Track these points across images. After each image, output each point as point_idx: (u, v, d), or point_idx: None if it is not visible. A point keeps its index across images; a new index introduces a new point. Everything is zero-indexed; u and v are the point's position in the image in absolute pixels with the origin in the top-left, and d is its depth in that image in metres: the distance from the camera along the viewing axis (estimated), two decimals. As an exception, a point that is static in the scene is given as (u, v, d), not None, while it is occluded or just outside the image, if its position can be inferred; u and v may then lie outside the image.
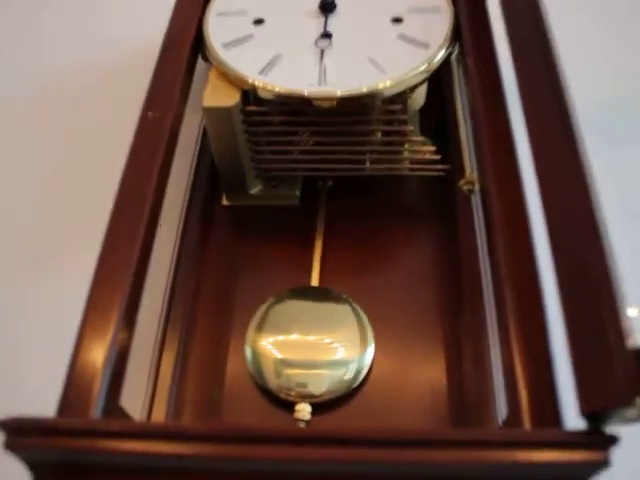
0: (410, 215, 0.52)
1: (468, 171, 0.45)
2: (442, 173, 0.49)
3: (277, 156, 0.50)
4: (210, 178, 0.54)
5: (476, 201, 0.47)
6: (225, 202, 0.54)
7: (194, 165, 0.52)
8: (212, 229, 0.52)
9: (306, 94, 0.45)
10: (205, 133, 0.51)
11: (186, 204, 0.51)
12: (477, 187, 0.43)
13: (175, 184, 0.46)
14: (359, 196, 0.52)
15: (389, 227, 0.50)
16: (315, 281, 0.47)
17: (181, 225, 0.50)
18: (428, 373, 0.43)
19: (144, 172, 0.39)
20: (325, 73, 0.46)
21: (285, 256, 0.50)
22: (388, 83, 0.45)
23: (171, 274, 0.47)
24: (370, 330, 0.45)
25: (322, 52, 0.47)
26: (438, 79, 0.49)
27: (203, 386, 0.44)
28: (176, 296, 0.47)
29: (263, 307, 0.46)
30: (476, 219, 0.46)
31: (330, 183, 0.53)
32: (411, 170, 0.50)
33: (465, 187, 0.45)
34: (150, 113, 0.42)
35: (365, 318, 0.46)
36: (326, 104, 0.45)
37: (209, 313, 0.48)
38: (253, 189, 0.53)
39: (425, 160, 0.49)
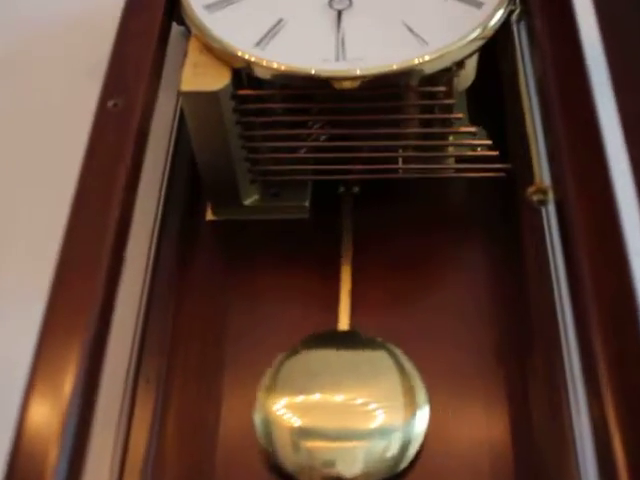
0: (458, 231, 0.52)
1: (538, 175, 0.45)
2: (501, 174, 0.49)
3: (279, 155, 0.50)
4: (190, 185, 0.54)
5: (548, 215, 0.47)
6: (210, 216, 0.54)
7: (168, 168, 0.53)
8: (194, 253, 0.52)
9: (318, 73, 0.45)
10: (183, 125, 0.51)
11: (159, 221, 0.51)
12: (551, 197, 0.43)
13: (144, 194, 0.45)
14: (392, 206, 0.53)
15: (432, 246, 0.51)
16: (344, 321, 0.47)
17: (153, 249, 0.50)
18: (489, 434, 0.44)
19: (105, 183, 0.39)
20: (343, 44, 0.46)
21: (294, 288, 0.50)
22: (428, 57, 0.45)
23: (141, 313, 0.48)
24: (420, 385, 0.45)
25: (339, 15, 0.48)
26: (491, 48, 0.49)
27: (188, 464, 0.44)
28: (149, 342, 0.47)
29: (276, 361, 0.46)
30: (548, 239, 0.47)
31: (356, 189, 0.53)
32: (458, 171, 0.51)
33: (535, 197, 0.44)
34: (111, 103, 0.42)
35: (411, 369, 0.45)
36: (345, 86, 0.45)
37: (192, 365, 0.48)
38: (248, 199, 0.53)
39: (477, 157, 0.50)
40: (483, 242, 0.51)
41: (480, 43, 0.46)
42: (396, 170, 0.51)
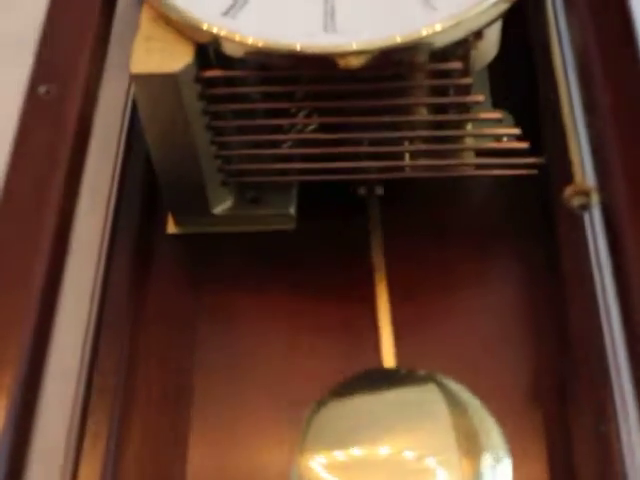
0: (485, 239, 0.53)
1: (579, 173, 0.45)
2: (532, 171, 0.49)
3: (257, 151, 0.50)
4: (147, 190, 0.54)
5: (592, 220, 0.48)
6: (172, 229, 0.54)
7: (119, 170, 0.53)
8: (152, 274, 0.53)
9: (304, 49, 0.44)
10: (137, 116, 0.51)
11: (108, 236, 0.51)
12: (595, 200, 0.43)
13: (88, 203, 0.46)
14: (403, 209, 0.54)
15: (455, 256, 0.52)
16: (388, 358, 0.48)
17: (101, 271, 0.50)
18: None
19: (37, 189, 0.40)
20: (333, 13, 0.46)
21: (280, 315, 0.51)
22: (439, 26, 0.44)
23: (88, 349, 0.48)
24: (494, 428, 0.45)
25: (327, -24, 0.47)
26: (518, 13, 0.48)
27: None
28: (96, 383, 0.47)
29: (307, 412, 0.46)
30: (592, 248, 0.47)
31: (380, 191, 0.54)
32: (479, 168, 0.51)
33: (575, 200, 0.44)
34: (42, 89, 0.42)
35: (478, 406, 0.45)
36: (339, 64, 0.44)
37: (151, 417, 0.48)
38: (219, 206, 0.53)
39: (503, 150, 0.49)
40: (515, 251, 0.53)
41: (504, 8, 0.46)
42: (402, 168, 0.51)
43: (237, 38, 0.45)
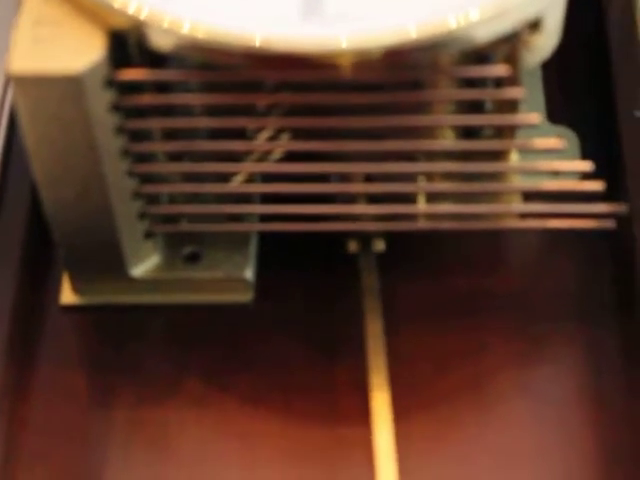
0: (529, 324, 0.51)
1: None
2: (607, 225, 0.48)
3: (196, 187, 0.49)
4: (31, 240, 0.53)
5: None
6: (69, 298, 0.53)
7: None
8: (34, 372, 0.51)
9: (263, 45, 0.42)
10: (17, 133, 0.50)
11: None
12: None
13: None
14: (421, 274, 0.53)
15: (486, 350, 0.51)
16: None
17: None
18: None
19: None
20: None
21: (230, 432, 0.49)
22: (476, 15, 0.41)
23: None
24: None
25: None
26: None
27: None
28: None
29: None
30: None
31: (381, 247, 0.53)
32: (525, 218, 0.49)
33: None
34: None
35: None
36: (321, 69, 0.43)
37: None
38: (139, 266, 0.52)
39: (565, 193, 0.48)
40: (572, 350, 0.51)
41: None
42: (414, 217, 0.49)
43: (165, 24, 0.42)
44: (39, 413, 0.50)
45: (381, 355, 0.51)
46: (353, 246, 0.53)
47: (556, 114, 0.53)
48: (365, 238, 0.53)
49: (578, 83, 0.56)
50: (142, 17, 0.42)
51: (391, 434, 0.49)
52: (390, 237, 0.53)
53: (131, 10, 0.42)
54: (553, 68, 0.52)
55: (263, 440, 0.49)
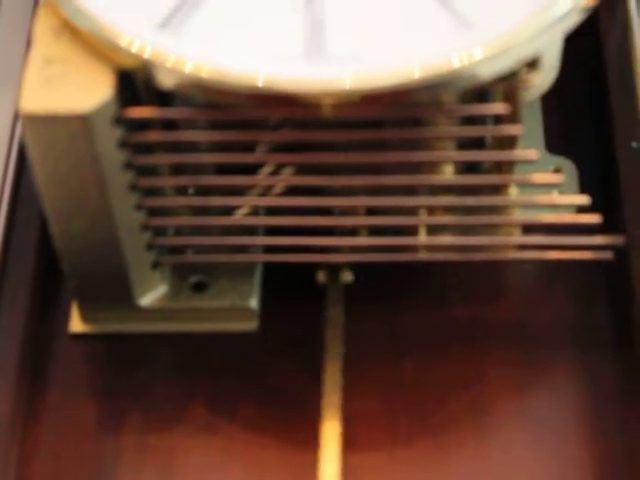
0: (525, 359, 0.51)
1: None
2: (605, 256, 0.48)
3: (203, 221, 0.49)
4: (40, 269, 0.54)
5: None
6: (78, 327, 0.53)
7: (0, 242, 0.52)
8: (45, 398, 0.51)
9: (266, 85, 0.42)
10: (27, 167, 0.51)
11: None
12: None
13: None
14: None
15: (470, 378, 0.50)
16: None
17: None
18: None
19: None
20: (322, 29, 0.44)
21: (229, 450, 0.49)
22: (479, 53, 0.42)
23: None
24: None
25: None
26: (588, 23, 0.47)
27: None
28: None
29: None
30: None
31: (349, 276, 0.53)
32: (523, 249, 0.49)
33: None
34: None
35: None
36: (324, 109, 0.42)
37: None
38: (147, 295, 0.52)
39: (563, 225, 0.48)
40: (569, 383, 0.51)
41: (573, 21, 0.44)
42: (415, 248, 0.49)
43: (169, 63, 0.42)
44: (50, 439, 0.50)
45: (338, 360, 0.50)
46: (321, 277, 0.53)
47: (555, 144, 0.53)
48: (331, 269, 0.53)
49: (577, 114, 0.56)
50: (146, 56, 0.42)
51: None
52: (387, 268, 0.52)
53: (135, 49, 0.42)
54: (552, 99, 0.52)
55: (266, 467, 0.49)
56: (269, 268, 0.53)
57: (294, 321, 0.52)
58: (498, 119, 0.45)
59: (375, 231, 0.50)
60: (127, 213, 0.47)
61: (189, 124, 0.46)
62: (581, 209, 0.48)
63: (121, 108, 0.43)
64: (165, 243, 0.50)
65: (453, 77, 0.42)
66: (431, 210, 0.50)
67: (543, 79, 0.47)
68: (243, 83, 0.42)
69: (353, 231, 0.50)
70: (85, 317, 0.52)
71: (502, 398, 0.50)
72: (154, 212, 0.48)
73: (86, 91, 0.43)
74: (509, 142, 0.47)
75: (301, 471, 0.49)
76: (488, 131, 0.47)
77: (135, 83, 0.44)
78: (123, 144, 0.44)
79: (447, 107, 0.45)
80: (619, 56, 0.53)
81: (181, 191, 0.48)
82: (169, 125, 0.46)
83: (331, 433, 0.49)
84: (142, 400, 0.50)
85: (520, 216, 0.50)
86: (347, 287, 0.53)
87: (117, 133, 0.44)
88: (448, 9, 0.43)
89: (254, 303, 0.51)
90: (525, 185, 0.49)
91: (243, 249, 0.51)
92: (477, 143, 0.48)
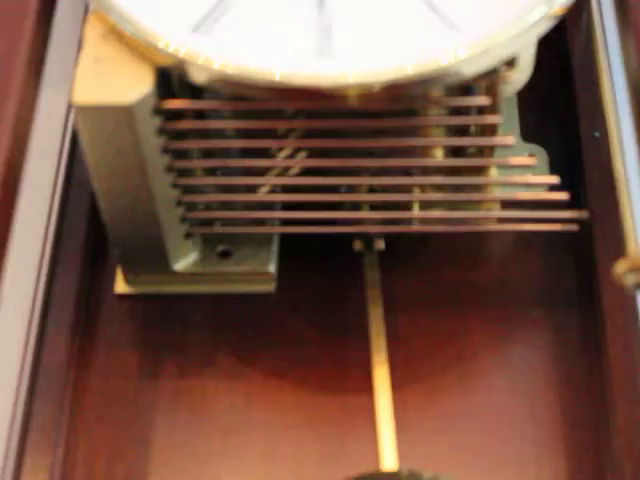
0: (509, 311, 0.53)
1: (633, 240, 0.44)
2: (572, 228, 0.49)
3: (229, 196, 0.50)
4: (89, 240, 0.55)
5: None
6: (122, 288, 0.54)
7: (56, 216, 0.53)
8: (95, 350, 0.53)
9: (282, 79, 0.43)
10: (79, 150, 0.51)
11: (42, 295, 0.51)
12: None
13: (18, 254, 0.45)
14: (414, 272, 0.54)
15: (472, 331, 0.52)
16: (388, 459, 0.48)
17: (31, 347, 0.50)
18: None
19: None
20: (329, 33, 0.45)
21: (261, 406, 0.50)
22: (464, 53, 0.43)
23: (13, 446, 0.48)
24: None
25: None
26: (557, 27, 0.47)
27: None
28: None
29: None
30: None
31: (381, 245, 0.54)
32: (502, 222, 0.50)
33: (629, 279, 0.43)
34: None
35: None
36: (332, 99, 0.43)
37: None
38: (181, 262, 0.52)
39: (536, 201, 0.49)
40: (543, 331, 0.52)
41: (545, 27, 0.45)
42: (410, 220, 0.50)
43: (201, 62, 0.44)
44: (98, 383, 0.51)
45: (381, 337, 0.52)
46: (358, 245, 0.54)
47: (529, 134, 0.54)
48: (368, 239, 0.54)
49: (548, 108, 0.57)
50: (181, 55, 0.43)
51: (390, 402, 0.50)
52: (389, 238, 0.54)
53: (172, 49, 0.43)
54: (527, 94, 0.52)
55: (283, 407, 0.50)
56: (285, 238, 0.54)
57: (305, 284, 0.54)
58: (481, 110, 0.46)
59: (376, 206, 0.50)
60: (164, 191, 0.48)
61: (217, 114, 0.47)
62: (551, 188, 0.49)
63: (159, 100, 0.45)
64: (196, 217, 0.51)
65: (441, 73, 0.43)
66: (423, 188, 0.50)
67: (519, 76, 0.48)
68: (263, 78, 0.43)
69: (356, 206, 0.51)
70: (128, 280, 0.53)
71: (483, 349, 0.52)
72: (187, 190, 0.49)
73: (130, 85, 0.44)
74: (490, 130, 0.47)
75: (309, 409, 0.50)
76: (472, 120, 0.48)
77: (171, 79, 0.45)
78: (161, 131, 0.46)
79: (436, 99, 0.46)
80: (584, 58, 0.53)
81: (210, 172, 0.49)
82: (200, 115, 0.47)
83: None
84: (176, 350, 0.52)
85: (499, 193, 0.51)
86: (380, 254, 0.54)
87: (156, 122, 0.45)
88: (439, 15, 0.44)
89: (272, 268, 0.52)
90: (504, 167, 0.50)
91: (262, 222, 0.51)
92: (463, 130, 0.49)
